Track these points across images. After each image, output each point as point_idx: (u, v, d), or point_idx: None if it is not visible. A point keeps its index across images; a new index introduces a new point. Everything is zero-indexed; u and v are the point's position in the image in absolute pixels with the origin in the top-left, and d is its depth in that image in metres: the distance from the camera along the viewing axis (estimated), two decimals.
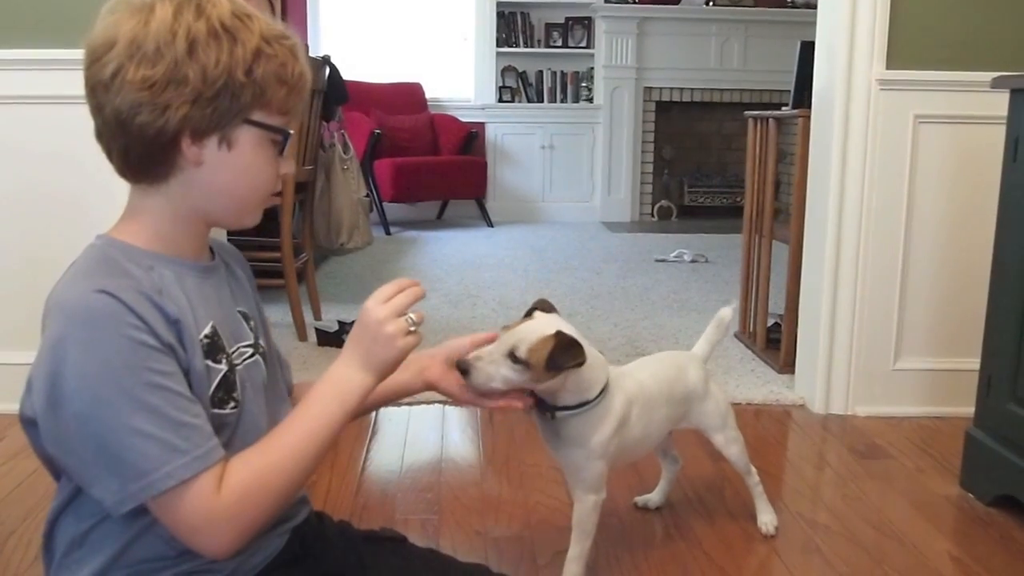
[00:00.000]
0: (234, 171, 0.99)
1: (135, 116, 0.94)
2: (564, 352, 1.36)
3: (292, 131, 1.03)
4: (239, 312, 1.09)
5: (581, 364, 1.39)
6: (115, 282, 0.92)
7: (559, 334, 1.36)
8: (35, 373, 0.92)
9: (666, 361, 1.77)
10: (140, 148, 0.96)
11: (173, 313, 0.94)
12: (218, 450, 0.94)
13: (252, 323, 1.11)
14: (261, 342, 1.11)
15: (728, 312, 1.85)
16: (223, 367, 1.00)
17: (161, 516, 0.93)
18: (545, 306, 1.45)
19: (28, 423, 0.96)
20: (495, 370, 1.32)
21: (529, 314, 1.43)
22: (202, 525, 0.92)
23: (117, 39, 0.93)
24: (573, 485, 1.55)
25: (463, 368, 1.30)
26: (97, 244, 1.00)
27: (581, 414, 1.47)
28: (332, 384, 1.03)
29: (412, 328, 1.04)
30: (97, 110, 0.97)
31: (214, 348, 1.00)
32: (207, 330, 1.00)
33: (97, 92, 0.95)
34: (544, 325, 1.38)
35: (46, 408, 0.90)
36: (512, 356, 1.34)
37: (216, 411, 0.98)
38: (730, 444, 1.80)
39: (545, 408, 1.46)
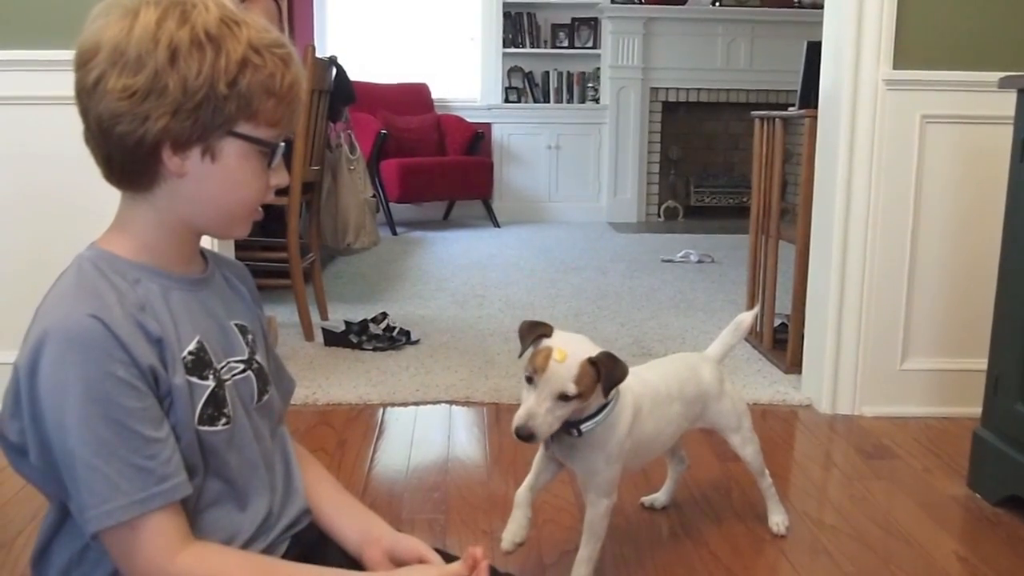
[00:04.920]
0: (219, 182, 0.97)
1: (115, 125, 0.92)
2: (616, 368, 1.40)
3: (282, 143, 1.00)
4: (236, 325, 1.07)
5: (626, 373, 1.43)
6: (99, 302, 0.91)
7: (604, 356, 1.40)
8: (14, 387, 0.91)
9: (677, 362, 1.78)
10: (121, 156, 0.94)
11: (155, 332, 0.93)
12: (168, 494, 0.91)
13: (250, 337, 1.08)
14: (257, 358, 1.08)
15: (748, 317, 1.84)
16: (210, 383, 0.98)
17: (109, 552, 0.92)
18: (546, 330, 1.43)
19: (8, 446, 0.94)
20: (553, 418, 1.38)
21: (536, 341, 1.42)
22: None
23: (102, 45, 0.91)
24: (587, 490, 1.54)
25: (525, 435, 1.36)
26: (85, 255, 0.98)
27: (600, 420, 1.47)
28: None
29: None
30: (83, 114, 0.95)
31: (200, 364, 0.98)
32: (192, 346, 0.98)
33: (82, 97, 0.94)
34: (571, 354, 1.38)
35: (30, 423, 0.90)
36: (564, 397, 1.37)
37: (207, 428, 0.97)
38: (746, 444, 1.80)
39: (569, 426, 1.45)
